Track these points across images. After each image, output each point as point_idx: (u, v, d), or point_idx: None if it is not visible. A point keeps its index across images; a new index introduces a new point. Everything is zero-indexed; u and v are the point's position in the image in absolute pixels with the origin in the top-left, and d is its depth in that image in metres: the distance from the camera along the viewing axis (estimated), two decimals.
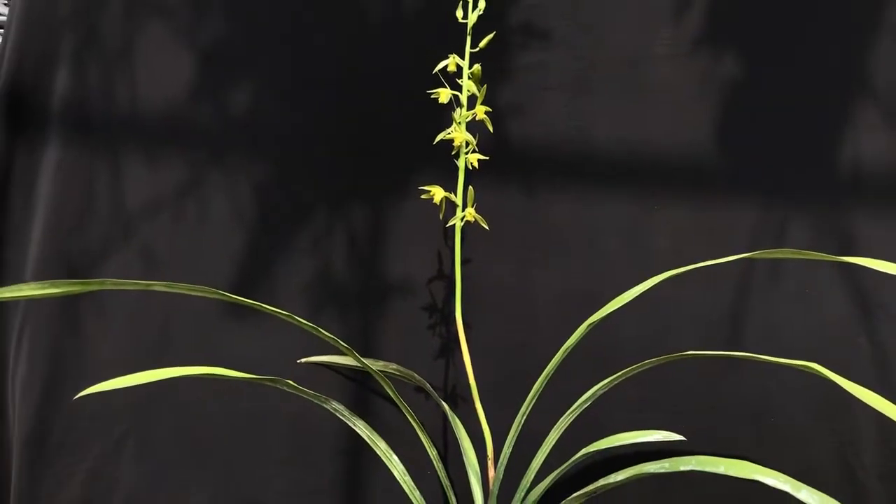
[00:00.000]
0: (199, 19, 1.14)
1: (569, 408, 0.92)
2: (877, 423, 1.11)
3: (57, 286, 0.73)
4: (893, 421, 0.74)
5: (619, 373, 0.85)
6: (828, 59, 1.13)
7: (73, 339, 1.12)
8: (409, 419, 0.87)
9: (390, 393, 0.84)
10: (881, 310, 1.12)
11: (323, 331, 0.81)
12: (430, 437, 1.11)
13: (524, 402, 0.93)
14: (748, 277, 1.13)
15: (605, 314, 0.86)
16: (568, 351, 0.87)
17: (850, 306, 1.13)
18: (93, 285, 0.75)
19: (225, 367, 0.83)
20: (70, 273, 1.11)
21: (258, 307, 0.79)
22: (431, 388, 1.06)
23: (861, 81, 1.13)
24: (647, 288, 0.84)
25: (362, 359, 0.84)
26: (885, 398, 1.08)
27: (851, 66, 1.13)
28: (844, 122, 1.13)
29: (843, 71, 1.13)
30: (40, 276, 1.10)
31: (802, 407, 1.12)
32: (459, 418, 1.08)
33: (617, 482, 0.82)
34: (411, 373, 1.07)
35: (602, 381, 0.88)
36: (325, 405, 0.88)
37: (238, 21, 1.14)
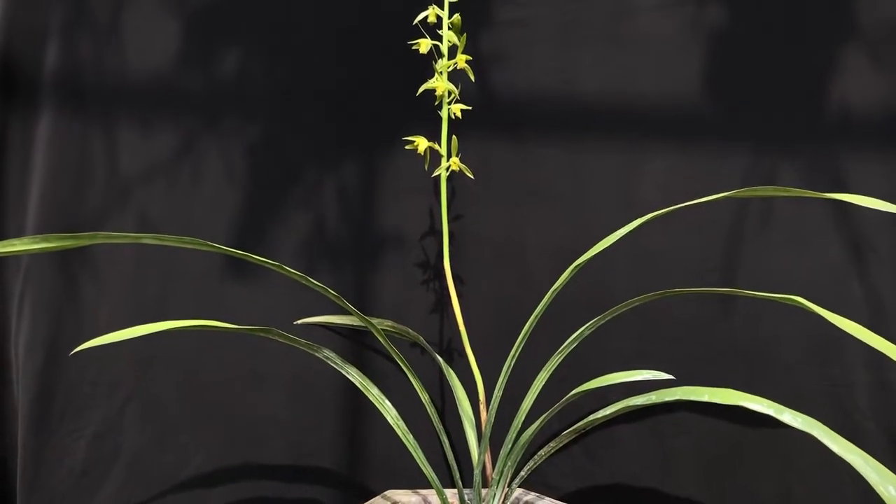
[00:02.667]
0: None
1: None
2: (869, 364, 1.12)
3: (49, 240, 0.74)
4: (885, 361, 0.75)
5: (605, 313, 0.86)
6: (816, 4, 1.13)
7: (72, 304, 1.14)
8: (401, 364, 0.88)
9: (382, 341, 0.85)
10: (873, 254, 1.13)
11: (312, 280, 0.82)
12: (427, 390, 1.14)
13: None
14: (740, 224, 1.14)
15: (590, 256, 0.87)
16: (555, 293, 0.88)
17: (843, 251, 1.13)
18: (84, 239, 0.76)
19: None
20: None
21: (247, 257, 0.80)
22: (426, 343, 1.08)
23: (847, 24, 1.13)
24: (631, 229, 0.85)
25: (357, 311, 0.85)
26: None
27: (837, 9, 1.13)
28: (831, 65, 1.13)
29: (829, 14, 1.13)
30: None
31: (796, 351, 1.13)
32: (455, 371, 1.10)
33: (606, 416, 0.83)
34: (406, 328, 1.09)
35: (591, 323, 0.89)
36: (316, 353, 0.89)
37: None
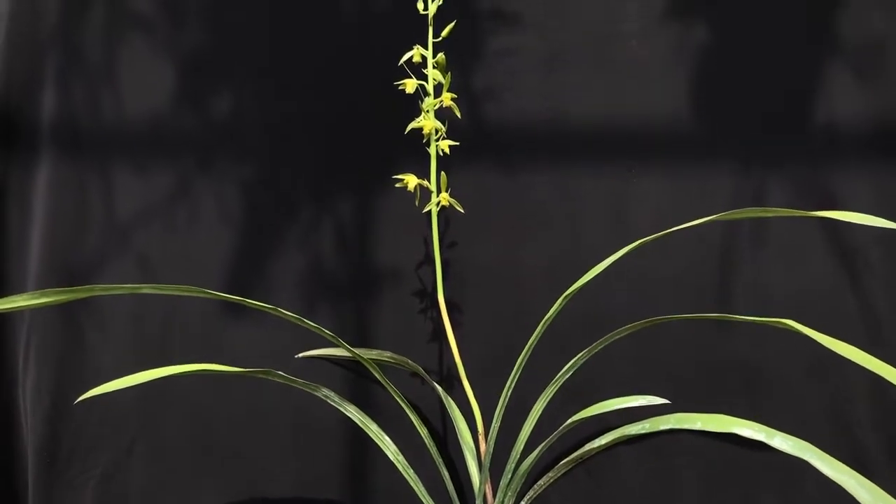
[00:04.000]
0: (177, 31, 1.17)
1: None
2: (868, 377, 1.12)
3: (48, 295, 0.76)
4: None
5: (600, 340, 0.87)
6: (797, 21, 1.14)
7: (76, 349, 1.16)
8: (398, 400, 0.90)
9: (379, 378, 0.87)
10: (866, 267, 1.13)
11: (307, 321, 0.84)
12: (428, 420, 1.15)
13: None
14: (732, 244, 1.15)
15: (582, 284, 0.88)
16: (548, 323, 0.89)
17: (836, 265, 1.14)
18: (82, 292, 0.78)
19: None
20: (69, 284, 1.14)
21: (243, 302, 0.82)
22: (425, 373, 1.09)
23: (830, 41, 1.14)
24: (620, 255, 0.86)
25: (353, 349, 0.87)
26: (874, 354, 1.11)
27: (820, 26, 1.14)
28: (817, 82, 1.14)
29: (812, 31, 1.14)
30: (40, 289, 1.14)
31: (794, 367, 1.14)
32: (455, 400, 1.11)
33: (602, 445, 0.84)
34: (405, 359, 1.10)
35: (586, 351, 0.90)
36: (315, 393, 0.91)
37: (214, 29, 1.17)
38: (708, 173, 1.14)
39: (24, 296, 0.76)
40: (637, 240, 0.86)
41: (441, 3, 0.94)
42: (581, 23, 1.15)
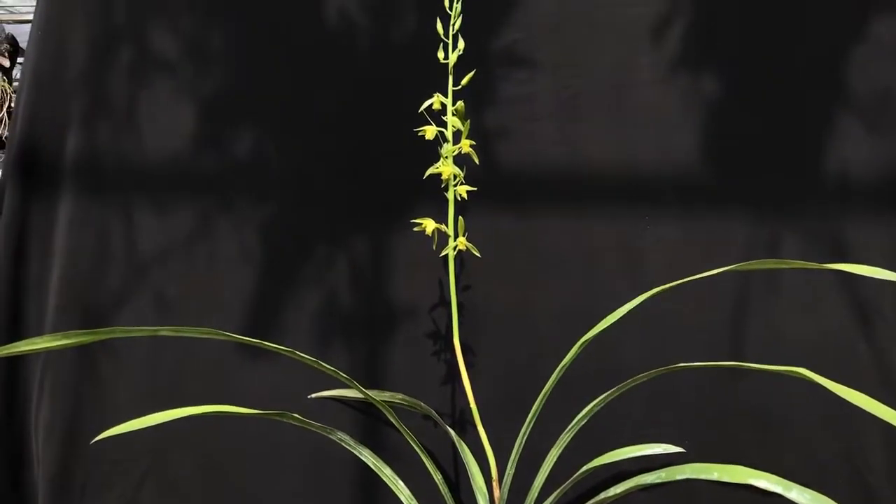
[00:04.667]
0: (199, 73, 1.19)
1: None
2: (882, 426, 1.11)
3: (69, 337, 0.77)
4: None
5: (614, 389, 0.88)
6: (810, 72, 1.16)
7: (91, 385, 1.16)
8: (413, 445, 0.90)
9: (393, 421, 0.87)
10: (879, 316, 1.13)
11: (324, 364, 0.84)
12: (441, 464, 1.14)
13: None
14: (745, 290, 1.15)
15: (597, 332, 0.89)
16: (564, 370, 0.90)
17: (849, 314, 1.14)
18: (102, 334, 0.79)
19: (240, 405, 0.86)
20: (87, 321, 1.16)
21: (260, 344, 0.82)
22: (438, 416, 1.09)
23: (843, 92, 1.15)
24: (636, 304, 0.87)
25: (366, 390, 0.87)
26: (888, 401, 1.10)
27: (831, 78, 1.16)
28: (829, 132, 1.15)
29: (826, 83, 1.16)
30: (59, 325, 1.15)
31: (807, 413, 1.13)
32: (467, 443, 1.11)
33: (616, 494, 0.84)
34: (417, 401, 1.10)
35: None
36: (330, 436, 0.91)
37: (236, 72, 1.19)
38: (721, 220, 1.15)
39: (46, 338, 0.77)
40: (651, 286, 0.87)
41: (461, 52, 0.96)
42: (595, 70, 1.17)
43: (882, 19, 1.15)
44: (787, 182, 1.15)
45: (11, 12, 2.40)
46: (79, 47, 1.19)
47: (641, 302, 0.87)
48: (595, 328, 0.90)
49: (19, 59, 2.26)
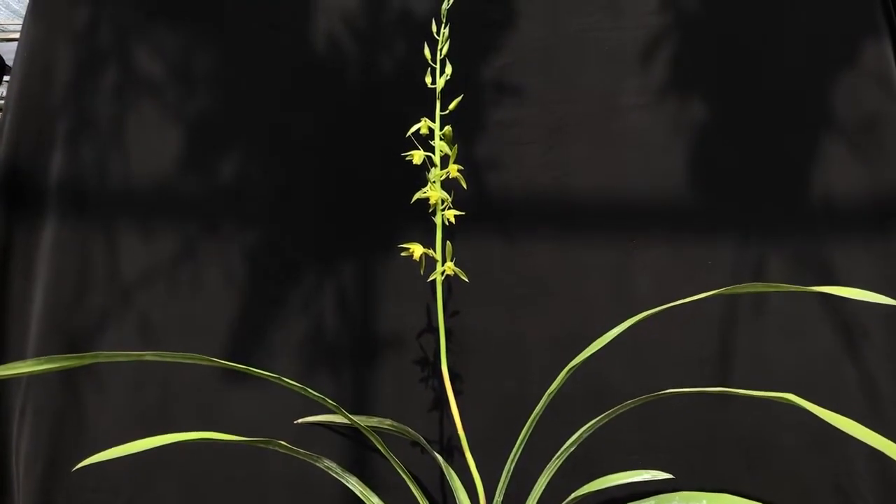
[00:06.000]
0: (185, 96, 1.19)
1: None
2: (869, 450, 1.11)
3: (51, 362, 0.76)
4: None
5: (601, 416, 0.87)
6: (795, 98, 1.17)
7: (73, 412, 1.14)
8: (400, 472, 0.89)
9: (380, 448, 0.86)
10: (865, 339, 1.14)
11: (310, 390, 0.84)
12: (429, 491, 1.13)
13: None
14: (733, 314, 1.15)
15: (584, 357, 0.88)
16: (551, 396, 0.89)
17: (835, 337, 1.14)
18: (86, 359, 0.77)
19: (225, 430, 0.85)
20: (70, 346, 1.14)
21: (246, 371, 0.81)
22: (426, 442, 1.08)
23: (827, 117, 1.16)
24: (622, 329, 0.87)
25: (353, 417, 0.86)
26: (876, 425, 1.10)
27: (817, 103, 1.17)
28: (815, 157, 1.17)
29: (811, 108, 1.17)
30: (41, 350, 1.13)
31: (795, 437, 1.13)
32: (455, 469, 1.10)
33: None
34: (406, 428, 1.09)
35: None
36: (317, 463, 0.90)
37: (222, 95, 1.19)
38: (708, 244, 1.16)
39: (28, 362, 0.75)
40: (639, 310, 0.87)
41: (448, 77, 0.97)
42: (583, 95, 1.18)
43: (866, 46, 1.16)
44: (774, 206, 1.16)
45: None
46: (65, 68, 1.19)
47: (629, 327, 0.86)
48: (582, 354, 0.90)
49: (5, 77, 2.24)
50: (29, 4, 1.22)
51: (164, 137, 1.19)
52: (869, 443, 0.73)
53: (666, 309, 0.86)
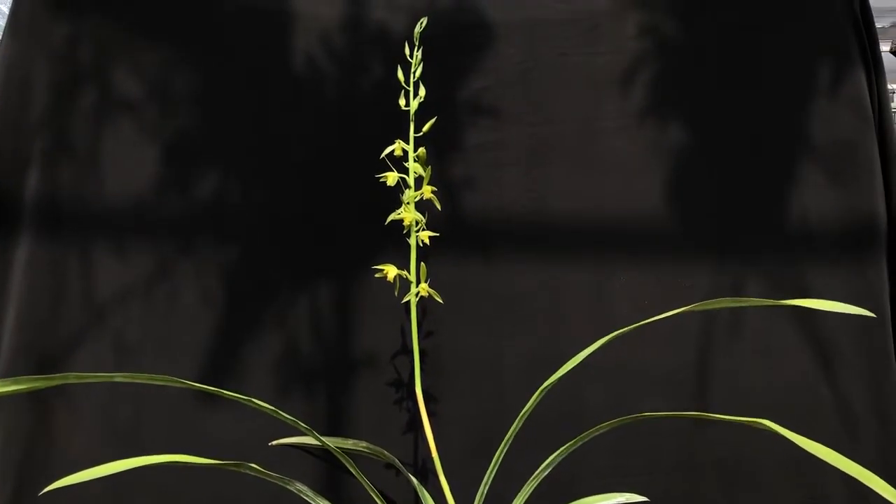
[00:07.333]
0: (163, 116, 1.18)
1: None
2: (844, 475, 1.11)
3: (20, 383, 0.75)
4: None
5: (576, 438, 0.87)
6: (771, 123, 1.18)
7: (44, 432, 1.12)
8: (373, 495, 0.88)
9: (352, 469, 0.86)
10: (840, 359, 1.15)
11: (282, 413, 0.83)
12: None
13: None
14: (709, 336, 1.16)
15: (558, 377, 0.88)
16: (524, 417, 0.89)
17: (810, 358, 1.15)
18: (55, 380, 0.77)
19: (199, 452, 0.84)
20: (42, 365, 1.12)
21: (219, 393, 0.81)
22: (401, 465, 1.07)
23: (804, 142, 1.18)
24: (595, 349, 0.87)
25: (328, 439, 0.86)
26: (851, 446, 1.11)
27: (794, 129, 1.18)
28: (792, 181, 1.18)
29: (787, 133, 1.18)
30: (12, 369, 1.12)
31: (771, 460, 1.14)
32: (430, 492, 1.09)
33: None
34: (380, 450, 1.08)
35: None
36: (288, 486, 0.89)
37: (199, 115, 1.19)
38: (686, 266, 1.16)
39: None
40: (614, 331, 0.87)
41: (422, 99, 0.97)
42: (562, 118, 1.18)
43: (840, 72, 1.18)
44: (751, 229, 1.17)
45: None
46: (43, 87, 1.18)
47: (602, 346, 0.87)
48: (557, 373, 0.89)
49: None
50: (7, 20, 1.21)
51: (141, 157, 1.18)
52: (845, 470, 0.74)
53: (639, 326, 0.86)
